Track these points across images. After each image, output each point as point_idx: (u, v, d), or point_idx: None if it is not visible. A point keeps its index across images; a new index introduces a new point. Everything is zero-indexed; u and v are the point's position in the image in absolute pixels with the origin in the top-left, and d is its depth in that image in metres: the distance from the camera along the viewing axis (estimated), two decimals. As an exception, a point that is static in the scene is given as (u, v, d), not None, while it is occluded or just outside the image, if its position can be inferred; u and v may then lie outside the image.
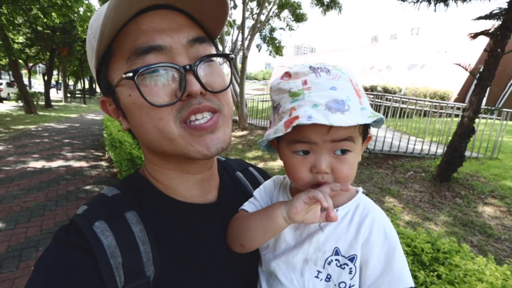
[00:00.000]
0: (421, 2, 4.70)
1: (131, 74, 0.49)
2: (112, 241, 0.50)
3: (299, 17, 12.83)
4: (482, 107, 4.72)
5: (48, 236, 3.73)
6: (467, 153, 6.74)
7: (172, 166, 0.62)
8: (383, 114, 7.41)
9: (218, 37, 0.69)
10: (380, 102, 7.18)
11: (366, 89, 17.17)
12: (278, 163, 6.52)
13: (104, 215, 0.53)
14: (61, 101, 27.05)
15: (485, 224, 3.99)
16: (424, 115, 7.12)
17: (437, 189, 4.92)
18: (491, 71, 4.33)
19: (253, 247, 0.62)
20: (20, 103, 17.95)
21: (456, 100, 15.74)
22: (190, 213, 0.62)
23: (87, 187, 5.51)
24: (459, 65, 4.74)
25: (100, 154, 8.11)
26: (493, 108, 5.19)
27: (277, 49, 14.39)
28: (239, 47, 10.01)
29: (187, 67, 0.51)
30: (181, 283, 0.55)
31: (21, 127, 11.92)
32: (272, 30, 13.65)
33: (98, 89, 34.18)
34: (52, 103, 22.37)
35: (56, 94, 35.31)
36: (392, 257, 0.56)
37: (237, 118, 10.07)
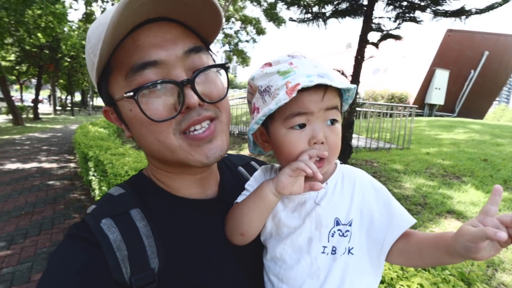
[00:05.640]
0: (307, 22, 5.86)
1: (131, 94, 0.51)
2: (117, 236, 0.53)
3: (259, 31, 14.20)
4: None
5: (3, 215, 4.79)
6: (381, 144, 7.85)
7: (173, 169, 0.65)
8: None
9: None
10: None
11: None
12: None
13: (110, 213, 0.57)
14: (51, 113, 28.29)
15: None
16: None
17: (332, 172, 6.02)
18: (357, 74, 5.48)
19: (252, 234, 0.64)
20: (10, 116, 19.06)
21: (415, 101, 16.95)
22: (191, 209, 0.65)
23: (50, 182, 6.57)
24: (337, 70, 5.85)
25: (71, 157, 9.19)
26: (360, 103, 6.29)
27: (244, 60, 15.69)
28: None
29: (185, 81, 0.53)
30: (184, 275, 0.57)
31: (6, 136, 13.06)
32: (236, 44, 14.98)
33: (91, 102, 35.38)
34: (42, 116, 23.60)
35: (48, 107, 36.52)
36: (390, 205, 0.62)
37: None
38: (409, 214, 0.62)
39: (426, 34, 17.28)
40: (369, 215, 0.62)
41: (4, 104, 24.14)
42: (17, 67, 21.76)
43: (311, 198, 0.64)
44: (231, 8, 13.26)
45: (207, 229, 0.64)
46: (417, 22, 5.29)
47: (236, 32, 15.25)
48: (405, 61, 18.17)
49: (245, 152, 7.86)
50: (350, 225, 0.62)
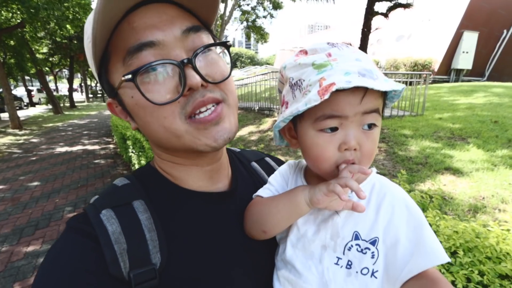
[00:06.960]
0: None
1: (129, 76, 0.50)
2: (117, 228, 0.51)
3: (275, 5, 14.24)
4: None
5: (60, 186, 5.84)
6: (394, 112, 8.02)
7: (180, 160, 0.63)
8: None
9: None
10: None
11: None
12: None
13: (111, 204, 0.55)
14: (84, 101, 30.36)
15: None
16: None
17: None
18: (364, 46, 5.71)
19: (275, 232, 0.62)
20: (50, 106, 20.92)
21: (440, 67, 16.27)
22: (198, 201, 0.63)
23: (96, 161, 7.63)
24: (346, 43, 6.07)
25: (109, 140, 10.31)
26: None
27: (262, 36, 15.86)
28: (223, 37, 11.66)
29: (185, 60, 0.51)
30: (189, 271, 0.54)
31: (50, 124, 14.68)
32: (254, 20, 15.13)
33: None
34: (76, 104, 25.52)
35: (80, 96, 38.99)
36: (421, 234, 0.53)
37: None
38: (443, 250, 0.52)
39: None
40: (394, 237, 0.55)
41: (43, 95, 26.28)
42: (50, 59, 23.31)
43: None
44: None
45: (215, 223, 0.62)
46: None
47: (253, 8, 15.35)
48: (430, 25, 17.24)
49: (265, 126, 8.41)
50: (373, 243, 0.56)
